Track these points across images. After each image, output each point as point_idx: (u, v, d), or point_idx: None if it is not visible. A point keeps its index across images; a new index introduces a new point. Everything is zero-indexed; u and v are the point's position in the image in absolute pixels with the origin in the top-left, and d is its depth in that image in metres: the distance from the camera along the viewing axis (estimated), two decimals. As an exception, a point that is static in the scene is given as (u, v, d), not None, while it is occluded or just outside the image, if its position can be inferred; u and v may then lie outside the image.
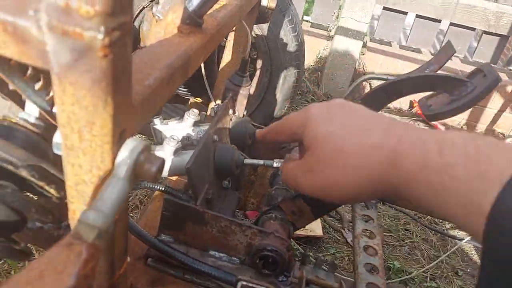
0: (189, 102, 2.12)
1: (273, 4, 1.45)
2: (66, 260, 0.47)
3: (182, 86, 1.87)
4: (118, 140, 0.55)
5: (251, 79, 2.51)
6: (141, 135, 2.29)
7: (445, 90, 1.00)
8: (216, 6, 1.02)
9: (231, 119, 1.25)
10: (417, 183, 0.53)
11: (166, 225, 0.98)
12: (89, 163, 0.55)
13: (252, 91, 2.50)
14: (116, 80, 0.48)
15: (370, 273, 1.10)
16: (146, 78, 0.62)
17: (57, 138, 0.61)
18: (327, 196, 0.69)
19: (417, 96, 3.70)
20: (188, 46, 0.77)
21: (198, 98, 2.04)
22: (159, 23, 0.85)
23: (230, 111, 1.24)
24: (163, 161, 0.58)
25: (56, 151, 0.58)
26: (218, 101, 1.47)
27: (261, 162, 1.11)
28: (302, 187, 0.75)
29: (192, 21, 0.82)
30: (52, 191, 0.68)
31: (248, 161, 1.12)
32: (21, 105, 0.78)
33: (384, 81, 1.05)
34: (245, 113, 1.32)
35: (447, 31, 3.74)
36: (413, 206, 1.40)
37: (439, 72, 1.02)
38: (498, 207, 0.42)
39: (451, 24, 3.67)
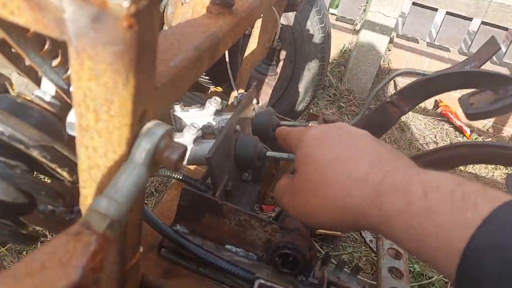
0: (209, 91, 2.07)
1: (303, -9, 1.38)
2: (73, 250, 0.43)
3: (204, 73, 1.82)
4: (137, 123, 0.50)
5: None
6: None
7: (489, 88, 0.93)
8: (246, -12, 0.96)
9: (254, 109, 1.20)
10: (398, 225, 0.51)
11: (182, 215, 0.94)
12: (105, 146, 0.51)
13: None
14: (140, 56, 0.43)
15: (394, 277, 1.04)
16: (171, 58, 0.57)
17: (71, 117, 0.57)
18: (307, 221, 0.68)
19: (442, 96, 3.59)
20: (218, 28, 0.71)
21: (218, 88, 1.99)
22: (187, 4, 0.79)
23: (254, 101, 1.19)
24: (185, 149, 0.53)
25: (69, 131, 0.54)
26: (241, 90, 1.41)
27: (285, 155, 1.06)
28: (285, 206, 0.73)
29: (223, 1, 0.76)
30: (65, 174, 0.64)
31: (270, 153, 1.07)
32: (37, 82, 0.74)
33: (422, 76, 0.98)
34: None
35: (478, 30, 3.60)
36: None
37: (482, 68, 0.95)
38: (470, 246, 0.43)
39: (483, 23, 3.53)
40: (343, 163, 0.61)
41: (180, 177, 1.07)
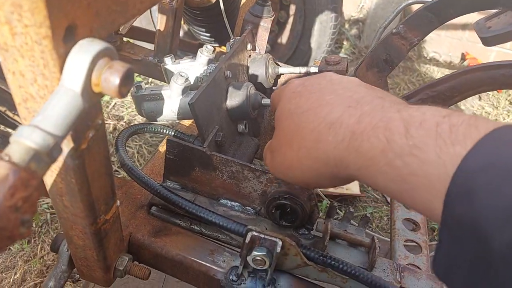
0: (215, 51, 1.98)
1: None
2: (-13, 187, 0.36)
3: (204, 30, 1.72)
4: (64, 38, 0.42)
5: (284, 27, 2.33)
6: (154, 79, 2.18)
7: (509, 6, 0.80)
8: None
9: (249, 56, 1.10)
10: (379, 168, 0.45)
11: (171, 170, 0.86)
12: (31, 69, 0.43)
13: (284, 40, 2.31)
14: None
15: (410, 229, 0.95)
16: (112, -34, 0.48)
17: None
18: (288, 179, 0.61)
19: (469, 48, 3.36)
20: None
21: (224, 47, 1.89)
22: None
23: (249, 46, 1.08)
24: (129, 70, 0.44)
25: (-5, 56, 0.46)
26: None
27: (282, 100, 0.97)
28: (269, 167, 0.66)
29: None
30: (17, 118, 0.56)
31: (266, 101, 0.97)
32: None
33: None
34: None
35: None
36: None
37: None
38: (461, 168, 0.37)
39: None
40: (316, 110, 0.55)
41: (172, 133, 0.99)
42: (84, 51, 0.42)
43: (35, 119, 0.41)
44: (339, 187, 1.92)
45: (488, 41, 0.81)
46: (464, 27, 3.21)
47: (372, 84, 0.95)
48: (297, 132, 0.56)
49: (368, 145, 0.47)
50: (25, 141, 0.39)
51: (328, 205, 1.74)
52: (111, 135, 2.07)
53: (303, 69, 1.08)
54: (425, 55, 3.40)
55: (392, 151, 0.44)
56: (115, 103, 2.27)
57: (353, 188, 1.91)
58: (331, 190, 1.86)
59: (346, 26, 3.44)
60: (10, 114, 0.57)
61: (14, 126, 0.63)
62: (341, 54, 3.20)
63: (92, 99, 0.44)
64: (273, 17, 1.11)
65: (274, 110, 0.69)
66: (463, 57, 3.33)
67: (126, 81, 0.44)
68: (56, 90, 0.42)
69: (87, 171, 0.55)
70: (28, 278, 1.49)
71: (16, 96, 0.46)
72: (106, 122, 2.13)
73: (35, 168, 0.39)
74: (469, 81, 0.69)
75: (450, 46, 3.35)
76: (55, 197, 0.60)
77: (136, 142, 2.05)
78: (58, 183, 0.57)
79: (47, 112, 0.41)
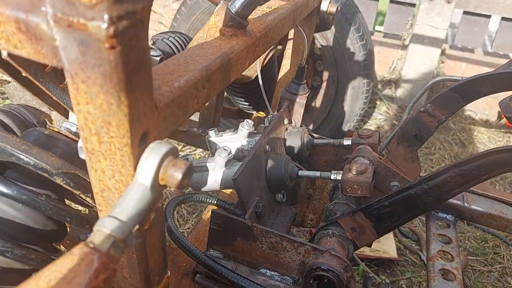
0: (253, 117, 2.09)
1: (333, 9, 1.37)
2: (77, 269, 0.44)
3: (243, 100, 1.85)
4: (139, 143, 0.51)
5: (317, 91, 2.44)
6: (198, 148, 2.28)
7: (532, 87, 0.86)
8: (266, 10, 0.97)
9: (286, 129, 1.18)
10: None
11: (215, 239, 0.93)
12: (111, 168, 0.52)
13: (318, 103, 2.41)
14: (130, 76, 0.44)
15: (446, 301, 0.96)
16: (176, 79, 0.59)
17: (80, 141, 0.59)
18: None
19: (506, 106, 3.35)
20: (229, 49, 0.72)
21: (261, 112, 2.00)
22: (202, 28, 0.81)
23: (286, 121, 1.18)
24: (190, 166, 0.53)
25: (81, 155, 0.56)
26: (276, 112, 1.41)
27: (318, 173, 1.03)
28: None
29: (235, 23, 0.77)
30: (89, 200, 0.66)
31: (303, 172, 1.04)
32: (66, 115, 0.78)
33: (457, 82, 0.92)
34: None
35: (539, 32, 3.36)
36: (503, 227, 1.22)
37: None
38: None
39: (545, 25, 3.30)
40: None
41: (215, 202, 1.07)
42: (154, 154, 0.51)
43: (113, 211, 0.49)
44: (375, 249, 1.92)
45: (511, 120, 0.86)
46: (498, 86, 3.22)
47: (402, 157, 1.01)
48: None
49: None
50: (106, 230, 0.47)
51: (364, 272, 1.75)
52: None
53: (336, 141, 1.15)
54: (461, 114, 3.41)
55: None
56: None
57: (390, 251, 1.90)
58: (368, 253, 1.86)
59: (379, 86, 3.53)
60: (83, 197, 0.66)
61: (83, 204, 0.72)
62: (374, 114, 3.26)
63: (158, 191, 0.53)
64: (308, 94, 1.21)
65: None
66: (500, 116, 3.31)
67: (187, 175, 0.53)
68: (130, 186, 0.51)
69: (147, 248, 0.63)
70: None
71: (95, 187, 0.56)
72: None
73: (113, 253, 0.47)
74: (495, 161, 0.73)
75: (486, 104, 3.35)
76: (116, 269, 0.67)
77: (176, 202, 2.15)
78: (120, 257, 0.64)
79: (123, 204, 0.50)
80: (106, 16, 0.39)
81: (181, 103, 0.58)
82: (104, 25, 0.39)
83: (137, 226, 0.59)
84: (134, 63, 0.44)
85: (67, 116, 0.77)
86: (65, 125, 0.73)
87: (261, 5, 0.99)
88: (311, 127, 2.39)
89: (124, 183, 0.53)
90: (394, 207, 0.85)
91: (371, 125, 3.10)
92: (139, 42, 0.44)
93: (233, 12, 0.77)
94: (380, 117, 3.25)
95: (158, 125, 0.54)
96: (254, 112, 2.00)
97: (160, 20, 3.66)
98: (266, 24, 0.88)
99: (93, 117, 0.47)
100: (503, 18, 3.40)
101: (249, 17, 0.90)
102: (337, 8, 1.39)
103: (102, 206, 0.57)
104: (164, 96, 0.55)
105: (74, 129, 0.73)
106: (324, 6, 1.36)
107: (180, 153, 2.50)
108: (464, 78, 0.94)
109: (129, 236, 0.49)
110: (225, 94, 2.28)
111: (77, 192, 0.65)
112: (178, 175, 0.51)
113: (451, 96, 0.91)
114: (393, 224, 0.87)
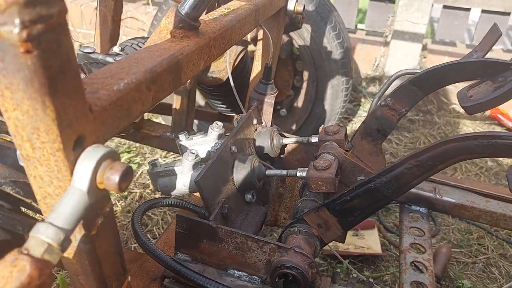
0: (234, 119, 2.09)
1: (300, 8, 1.38)
2: (8, 276, 0.44)
3: (220, 102, 1.85)
4: (74, 147, 0.51)
5: (299, 91, 2.44)
6: (170, 152, 2.26)
7: (487, 77, 0.86)
8: (224, 11, 0.97)
9: (256, 129, 1.18)
10: None
11: (181, 243, 0.93)
12: (48, 174, 0.52)
13: (300, 103, 2.42)
14: (53, 81, 0.44)
15: (417, 293, 0.96)
16: (116, 82, 0.59)
17: (18, 149, 0.59)
18: None
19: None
20: (178, 50, 0.72)
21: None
22: (154, 31, 0.82)
23: (255, 121, 1.18)
24: (128, 169, 0.53)
25: (20, 162, 0.56)
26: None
27: (284, 172, 1.03)
28: None
29: (186, 24, 0.78)
30: (35, 204, 0.65)
31: (270, 172, 1.05)
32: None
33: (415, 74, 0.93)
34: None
35: (502, 33, 3.39)
36: (476, 217, 1.22)
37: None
38: None
39: (524, 16, 3.32)
40: None
41: (185, 205, 1.07)
42: (90, 157, 0.51)
43: (49, 217, 0.49)
44: (359, 246, 1.92)
45: (469, 110, 0.86)
46: (480, 78, 3.24)
47: (367, 152, 1.01)
48: None
49: None
50: (40, 236, 0.47)
51: (347, 270, 1.74)
52: (137, 203, 2.17)
53: (305, 139, 1.16)
54: (445, 108, 3.42)
55: None
56: (142, 172, 2.39)
57: (374, 247, 1.90)
58: (352, 250, 1.86)
59: (364, 84, 3.54)
60: (35, 205, 0.66)
61: (40, 211, 0.71)
62: (359, 112, 3.27)
63: (97, 195, 0.52)
64: (276, 93, 1.21)
65: None
66: (483, 107, 3.33)
67: (125, 177, 0.53)
68: (67, 191, 0.51)
69: (98, 253, 0.63)
70: None
71: (37, 194, 0.55)
72: (132, 191, 2.24)
73: (48, 258, 0.47)
74: (447, 151, 0.74)
75: (469, 97, 3.37)
76: (72, 276, 0.67)
77: (161, 209, 2.14)
78: (74, 264, 0.64)
79: (59, 210, 0.50)
80: (17, 21, 0.39)
81: (122, 106, 0.58)
82: (16, 30, 0.39)
83: (83, 231, 0.59)
84: (56, 68, 0.44)
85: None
86: (17, 134, 0.73)
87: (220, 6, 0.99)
88: (294, 127, 2.39)
89: (63, 189, 0.53)
90: (356, 201, 0.85)
91: (355, 122, 3.11)
92: (60, 46, 0.44)
93: (182, 14, 0.77)
94: (365, 114, 3.26)
95: (95, 129, 0.54)
96: (234, 115, 2.00)
97: (143, 28, 3.67)
98: (222, 25, 0.88)
99: (22, 123, 0.47)
100: (483, 11, 3.42)
101: (205, 19, 0.91)
102: (304, 7, 1.40)
103: (46, 213, 0.57)
104: (102, 99, 0.55)
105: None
106: (291, 6, 1.36)
107: (164, 159, 2.50)
108: (421, 70, 0.95)
109: (65, 240, 0.49)
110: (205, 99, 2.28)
111: (28, 201, 0.64)
112: (115, 178, 0.51)
113: (409, 89, 0.92)
114: (356, 219, 0.87)
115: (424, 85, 0.90)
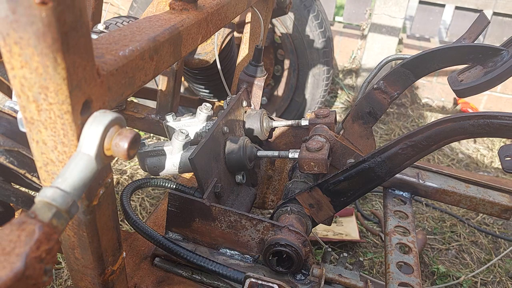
0: (215, 106, 2.08)
1: (289, -8, 1.38)
2: (16, 240, 0.42)
3: (203, 87, 1.83)
4: (81, 111, 0.49)
5: (279, 80, 2.45)
6: (156, 135, 2.24)
7: (477, 61, 0.89)
8: (219, -12, 0.96)
9: (245, 112, 1.18)
10: None
11: (173, 222, 0.92)
12: (52, 138, 0.50)
13: (280, 92, 2.42)
14: (66, 36, 0.42)
15: (404, 272, 0.99)
16: (121, 48, 0.57)
17: (20, 113, 0.57)
18: None
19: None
20: (178, 22, 0.71)
21: (222, 101, 1.98)
22: (151, 3, 0.79)
23: (245, 103, 1.17)
24: (136, 136, 0.51)
25: (21, 128, 0.54)
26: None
27: (276, 153, 1.04)
28: None
29: (185, -3, 0.76)
30: (35, 179, 0.63)
31: (262, 153, 1.04)
32: (9, 94, 0.75)
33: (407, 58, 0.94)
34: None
35: (490, 21, 3.51)
36: (456, 202, 1.26)
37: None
38: None
39: (494, 13, 3.44)
40: None
41: (174, 186, 1.05)
42: (98, 122, 0.49)
43: (56, 181, 0.47)
44: (338, 233, 1.95)
45: (460, 93, 0.89)
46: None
47: (358, 135, 1.03)
48: None
49: None
50: (48, 200, 0.45)
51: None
52: (114, 189, 2.12)
53: (294, 122, 1.16)
54: (418, 101, 3.51)
55: None
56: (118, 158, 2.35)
57: (352, 233, 1.94)
58: (331, 236, 1.89)
59: (340, 76, 3.58)
60: (29, 176, 0.64)
61: (31, 187, 0.69)
62: (336, 103, 3.31)
63: (104, 162, 0.51)
64: (265, 76, 1.21)
65: None
66: (456, 102, 3.44)
67: (133, 145, 0.51)
68: (73, 155, 0.49)
69: (97, 225, 0.61)
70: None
71: (38, 161, 0.53)
72: (110, 176, 2.19)
73: (57, 223, 0.45)
74: (442, 131, 0.76)
75: (442, 91, 3.47)
76: (68, 250, 0.65)
77: (138, 195, 2.11)
78: (71, 237, 0.62)
79: (66, 174, 0.48)
80: (35, -31, 0.37)
81: (127, 72, 0.57)
82: (33, -22, 0.37)
83: (85, 201, 0.57)
84: (70, 23, 0.42)
85: (10, 95, 0.74)
86: (8, 104, 0.70)
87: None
88: (273, 116, 2.40)
89: (67, 155, 0.51)
90: (349, 182, 0.86)
91: (333, 113, 3.14)
92: (75, 1, 0.42)
93: (183, -14, 0.75)
94: (342, 106, 3.30)
95: (102, 94, 0.52)
96: (215, 101, 1.99)
97: (118, 13, 3.57)
98: (218, 1, 0.87)
99: (29, 82, 0.45)
100: (457, 7, 3.52)
101: (201, -5, 0.89)
102: (293, -8, 1.40)
103: (47, 181, 0.55)
104: (108, 64, 0.53)
105: (17, 107, 0.70)
106: (280, -11, 1.36)
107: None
108: (413, 55, 0.96)
109: (73, 207, 0.47)
110: (186, 84, 2.25)
111: (22, 171, 0.62)
112: (124, 144, 0.50)
113: (402, 72, 0.93)
114: (349, 199, 0.89)
115: (416, 69, 0.92)
